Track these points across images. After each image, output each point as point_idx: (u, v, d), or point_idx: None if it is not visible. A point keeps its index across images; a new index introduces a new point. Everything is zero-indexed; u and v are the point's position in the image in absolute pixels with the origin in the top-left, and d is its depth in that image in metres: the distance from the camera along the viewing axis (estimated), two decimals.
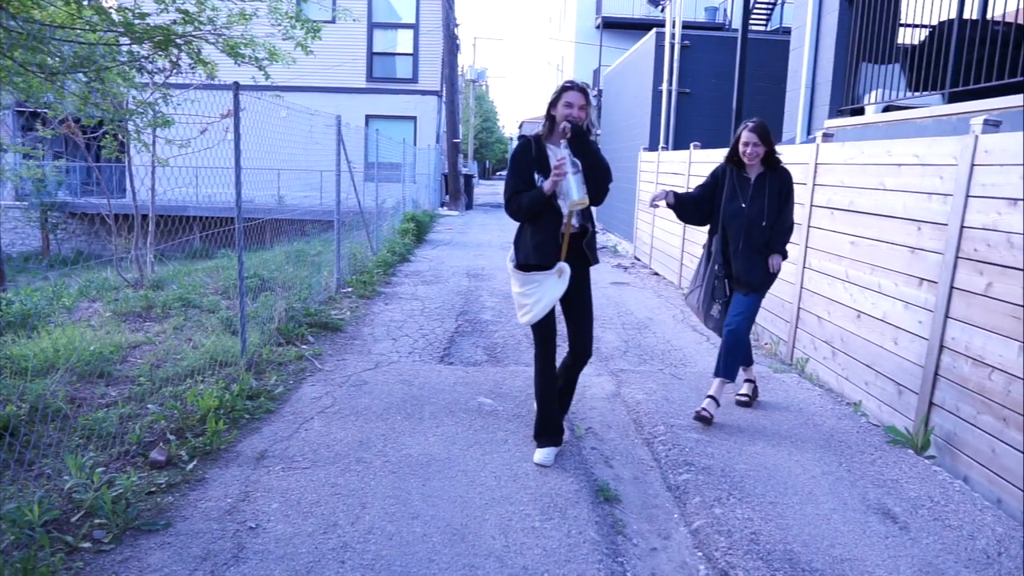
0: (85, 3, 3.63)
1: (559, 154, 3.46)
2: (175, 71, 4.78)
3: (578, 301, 3.72)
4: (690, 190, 4.58)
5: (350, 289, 8.14)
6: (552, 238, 3.54)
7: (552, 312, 3.63)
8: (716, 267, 4.46)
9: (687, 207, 4.42)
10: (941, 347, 3.88)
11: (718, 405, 4.34)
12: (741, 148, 4.25)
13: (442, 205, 24.25)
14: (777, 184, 4.30)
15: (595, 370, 5.37)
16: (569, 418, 4.32)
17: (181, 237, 7.88)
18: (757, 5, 18.48)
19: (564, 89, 3.47)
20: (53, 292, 7.50)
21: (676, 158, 10.03)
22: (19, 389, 4.13)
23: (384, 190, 14.43)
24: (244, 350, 5.03)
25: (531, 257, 3.58)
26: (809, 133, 7.90)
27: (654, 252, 10.96)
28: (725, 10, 26.96)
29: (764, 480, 3.50)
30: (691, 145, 9.26)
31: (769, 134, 4.25)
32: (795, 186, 4.34)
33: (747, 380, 4.71)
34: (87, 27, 3.77)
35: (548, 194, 3.42)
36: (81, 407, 4.16)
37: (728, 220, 4.35)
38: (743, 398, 4.64)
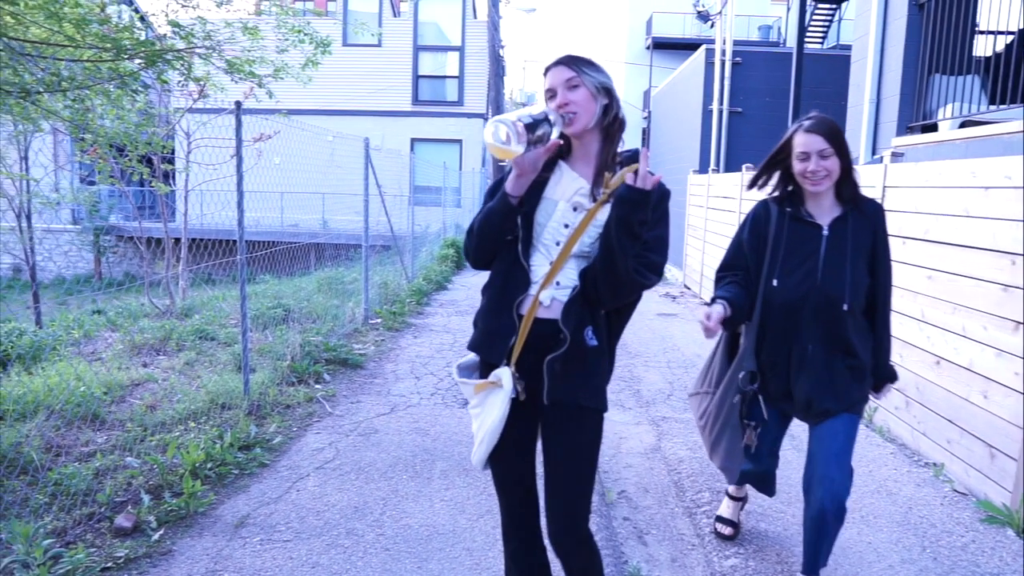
0: (66, 22, 3.32)
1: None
2: (163, 89, 4.46)
3: (556, 452, 2.01)
4: (733, 282, 2.65)
5: (379, 320, 7.73)
6: (504, 310, 1.99)
7: (512, 454, 2.07)
8: (742, 376, 2.65)
9: (741, 307, 2.56)
10: None
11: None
12: (797, 166, 2.48)
13: None
14: (866, 232, 2.50)
15: (634, 418, 4.80)
16: (600, 478, 3.78)
17: (214, 261, 7.63)
18: (813, 21, 17.78)
19: (544, 73, 1.99)
20: (73, 321, 7.28)
21: (727, 181, 9.44)
22: None
23: (429, 214, 14.12)
24: (247, 392, 4.62)
25: (474, 339, 2.11)
26: (874, 153, 7.24)
27: (704, 280, 10.33)
28: (779, 28, 26.24)
29: (829, 571, 2.90)
30: (743, 167, 8.66)
31: (842, 136, 2.48)
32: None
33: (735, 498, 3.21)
34: (69, 43, 3.46)
35: (513, 198, 1.93)
36: (60, 456, 3.79)
37: (785, 302, 2.53)
38: (727, 529, 3.17)
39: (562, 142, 1.97)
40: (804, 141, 2.44)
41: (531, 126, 1.78)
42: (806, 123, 2.47)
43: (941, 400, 4.07)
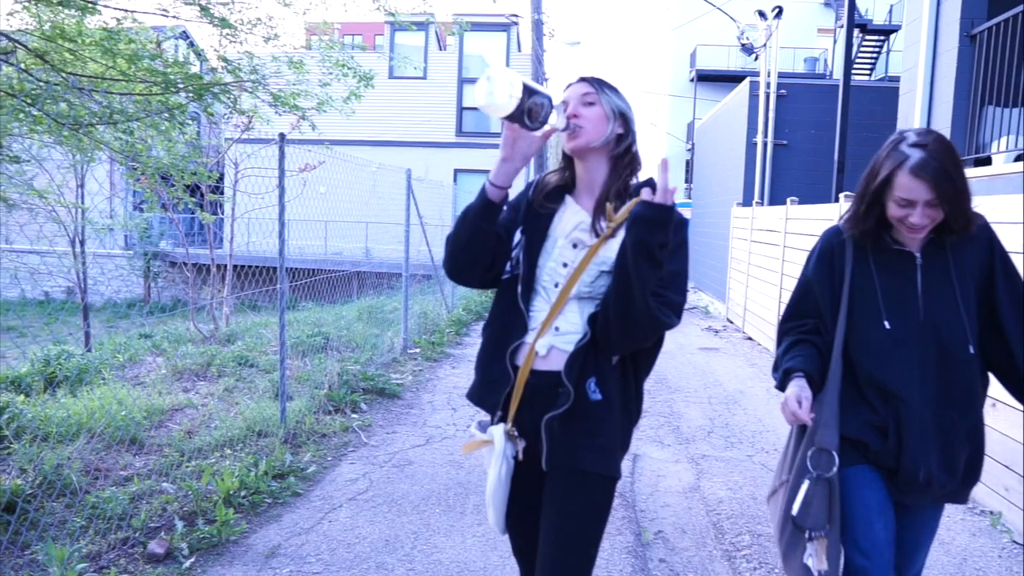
0: (120, 57, 3.44)
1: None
2: (211, 121, 4.58)
3: (549, 524, 1.77)
4: (804, 341, 2.07)
5: (417, 350, 7.74)
6: (498, 357, 1.82)
7: (523, 520, 1.91)
8: (812, 453, 1.92)
9: (821, 378, 1.98)
10: None
11: None
12: (896, 211, 1.84)
13: None
14: (974, 253, 1.91)
15: (673, 455, 4.69)
16: (637, 518, 3.68)
17: (258, 289, 7.77)
18: (860, 53, 17.59)
19: (564, 90, 1.86)
20: (120, 345, 7.43)
21: (771, 214, 9.29)
22: (37, 457, 3.84)
23: None
24: (283, 420, 4.64)
25: (471, 388, 1.96)
26: None
27: (748, 315, 10.14)
28: (826, 60, 26.00)
29: None
30: (787, 200, 8.52)
31: (958, 174, 1.78)
32: None
33: None
34: (122, 78, 3.57)
35: (494, 188, 1.72)
36: (98, 479, 3.83)
37: (894, 350, 1.91)
38: None
39: (556, 128, 1.75)
40: (909, 186, 1.78)
41: (530, 90, 1.62)
42: (915, 159, 1.77)
43: (997, 444, 3.89)
